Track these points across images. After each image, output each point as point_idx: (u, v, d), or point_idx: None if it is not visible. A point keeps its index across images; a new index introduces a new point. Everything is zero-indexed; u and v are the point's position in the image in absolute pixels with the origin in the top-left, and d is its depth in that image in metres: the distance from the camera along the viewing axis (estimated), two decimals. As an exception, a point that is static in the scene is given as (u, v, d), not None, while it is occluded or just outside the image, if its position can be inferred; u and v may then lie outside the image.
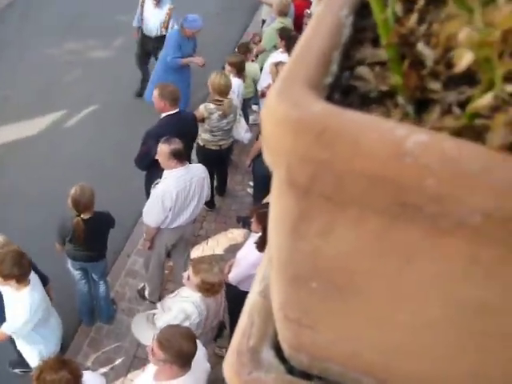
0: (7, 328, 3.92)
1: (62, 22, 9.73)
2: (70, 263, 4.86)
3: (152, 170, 5.21)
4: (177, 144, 4.54)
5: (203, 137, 5.91)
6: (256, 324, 0.67)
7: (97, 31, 9.54)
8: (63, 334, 4.52)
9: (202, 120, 5.75)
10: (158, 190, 4.64)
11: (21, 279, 3.75)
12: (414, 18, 0.55)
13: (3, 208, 6.15)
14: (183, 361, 3.19)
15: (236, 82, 6.17)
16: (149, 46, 7.88)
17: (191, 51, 7.09)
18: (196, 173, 4.80)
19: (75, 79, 8.45)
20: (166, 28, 7.58)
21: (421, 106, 0.49)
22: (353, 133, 0.36)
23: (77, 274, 4.96)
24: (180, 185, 4.63)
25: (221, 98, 5.65)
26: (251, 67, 6.86)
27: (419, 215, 0.39)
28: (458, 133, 0.43)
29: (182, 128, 5.27)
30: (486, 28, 0.34)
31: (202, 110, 5.73)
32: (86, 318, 5.30)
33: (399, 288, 0.46)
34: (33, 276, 3.91)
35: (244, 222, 6.26)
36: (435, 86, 0.50)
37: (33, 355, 4.16)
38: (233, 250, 5.74)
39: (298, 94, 0.38)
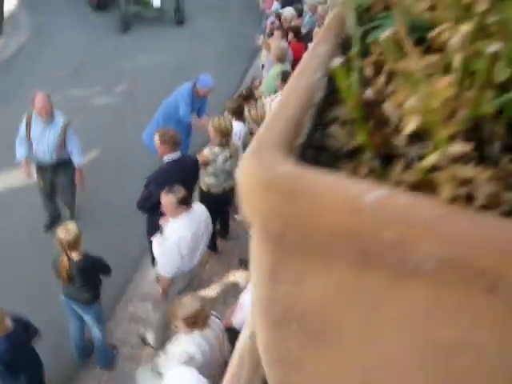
0: None
1: (65, 70, 9.96)
2: (60, 297, 4.90)
3: (153, 213, 5.27)
4: (181, 191, 4.61)
5: (207, 181, 5.98)
6: (246, 367, 0.70)
7: (99, 78, 9.76)
8: (64, 379, 4.52)
9: (206, 164, 5.84)
10: (172, 239, 4.66)
11: None
12: (381, 79, 0.60)
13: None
14: None
15: (237, 125, 6.28)
16: (47, 176, 6.34)
17: (196, 109, 7.06)
18: (201, 213, 4.87)
19: (77, 126, 8.57)
20: (62, 149, 6.10)
21: (389, 161, 0.54)
22: (314, 191, 0.41)
23: (67, 309, 5.02)
24: (192, 229, 4.69)
25: (225, 140, 5.75)
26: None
27: (381, 263, 0.43)
28: (417, 186, 0.47)
29: (184, 172, 5.37)
30: (428, 97, 0.39)
31: (206, 153, 5.83)
32: (76, 353, 5.31)
33: (371, 333, 0.50)
34: None
35: (246, 265, 6.28)
36: (399, 142, 0.54)
37: None
38: (235, 293, 5.74)
39: (268, 156, 0.43)
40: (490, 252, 0.39)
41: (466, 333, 0.47)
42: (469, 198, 0.48)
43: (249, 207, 0.44)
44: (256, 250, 0.49)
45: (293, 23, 8.77)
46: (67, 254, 4.50)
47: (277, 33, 8.32)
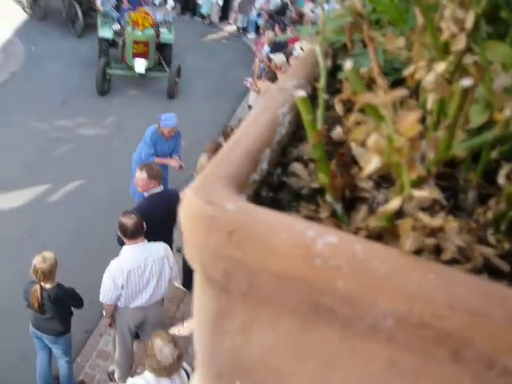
0: None
1: (55, 100, 9.96)
2: (30, 328, 4.75)
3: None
4: (128, 219, 4.54)
5: (187, 216, 5.94)
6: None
7: (88, 110, 9.77)
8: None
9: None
10: (110, 266, 4.58)
11: None
12: (352, 117, 0.56)
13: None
14: None
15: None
16: None
17: (167, 151, 6.77)
18: (153, 252, 4.66)
19: (63, 154, 8.53)
20: None
21: (353, 204, 0.50)
22: (263, 233, 0.36)
23: (36, 342, 4.87)
24: (133, 263, 4.54)
25: None
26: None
27: (333, 317, 0.38)
28: (380, 234, 0.43)
29: (168, 205, 5.32)
30: (394, 135, 0.35)
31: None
32: None
33: (323, 390, 0.45)
34: None
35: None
36: (366, 185, 0.50)
37: None
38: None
39: (215, 190, 0.39)
40: (455, 312, 0.35)
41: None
42: (437, 250, 0.44)
43: (189, 246, 0.39)
44: (199, 296, 0.44)
45: (283, 68, 8.86)
46: (40, 284, 4.40)
47: (267, 76, 8.38)
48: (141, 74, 10.52)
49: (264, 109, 0.53)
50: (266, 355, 0.44)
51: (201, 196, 0.38)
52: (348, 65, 0.41)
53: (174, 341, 3.77)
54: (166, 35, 11.02)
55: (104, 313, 4.92)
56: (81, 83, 10.37)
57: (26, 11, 14.14)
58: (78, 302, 4.78)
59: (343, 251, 0.36)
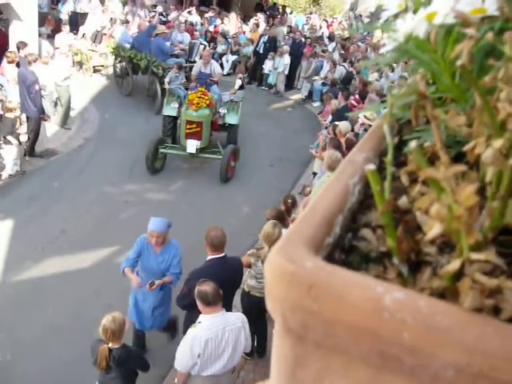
0: None
1: (124, 165, 10.39)
2: None
3: (193, 311, 5.22)
4: (207, 286, 4.56)
5: (249, 283, 5.97)
6: None
7: (155, 175, 10.12)
8: None
9: (249, 266, 5.85)
10: (188, 334, 4.59)
11: None
12: (417, 188, 0.62)
13: (42, 337, 6.20)
14: None
15: (284, 231, 6.28)
16: None
17: (154, 266, 5.80)
18: (230, 321, 4.69)
19: (130, 217, 8.82)
20: None
21: (418, 266, 0.55)
22: (338, 288, 0.42)
23: None
24: (211, 332, 4.54)
25: (263, 246, 5.76)
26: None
27: (400, 366, 0.42)
28: (442, 294, 0.47)
29: (227, 271, 5.36)
30: (453, 205, 0.40)
31: (249, 256, 5.88)
32: None
33: None
34: None
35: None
36: (430, 249, 0.55)
37: None
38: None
39: (296, 250, 0.45)
40: (511, 364, 0.38)
41: None
42: (496, 311, 0.48)
43: (271, 299, 0.45)
44: (277, 346, 0.49)
45: (347, 136, 8.99)
46: (108, 343, 4.51)
47: (331, 143, 8.50)
48: (192, 155, 10.30)
49: (337, 179, 0.60)
50: (336, 403, 0.48)
51: (283, 255, 0.44)
52: (412, 144, 0.47)
53: None
54: (231, 116, 10.94)
55: (176, 380, 4.91)
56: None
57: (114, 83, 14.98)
58: (143, 365, 4.84)
59: (408, 306, 0.41)
